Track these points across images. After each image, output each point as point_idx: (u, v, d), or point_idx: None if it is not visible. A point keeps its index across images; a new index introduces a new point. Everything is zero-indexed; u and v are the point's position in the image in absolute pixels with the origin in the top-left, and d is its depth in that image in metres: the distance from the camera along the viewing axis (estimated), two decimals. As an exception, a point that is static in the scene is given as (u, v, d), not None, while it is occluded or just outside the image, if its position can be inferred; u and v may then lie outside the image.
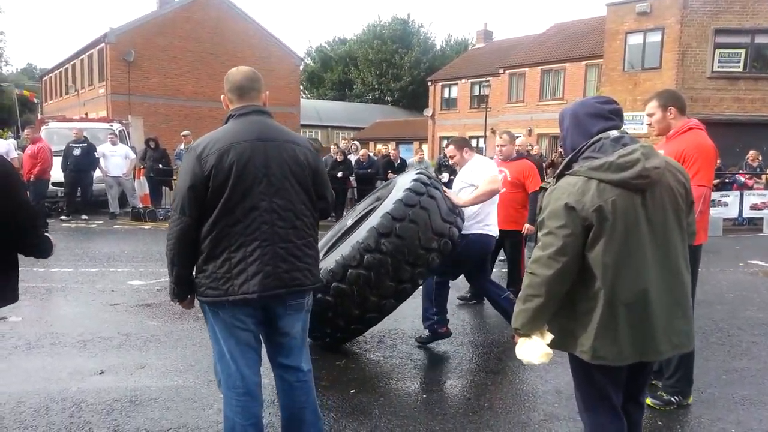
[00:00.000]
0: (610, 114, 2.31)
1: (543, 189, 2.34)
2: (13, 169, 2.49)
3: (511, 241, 5.95)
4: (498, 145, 5.98)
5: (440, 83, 34.22)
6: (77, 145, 11.80)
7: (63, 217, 11.93)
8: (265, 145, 2.46)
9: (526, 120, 27.12)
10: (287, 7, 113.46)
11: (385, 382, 4.07)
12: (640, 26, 20.54)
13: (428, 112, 34.65)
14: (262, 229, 2.41)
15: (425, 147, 28.32)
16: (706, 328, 5.31)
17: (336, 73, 51.32)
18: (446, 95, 34.06)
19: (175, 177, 12.11)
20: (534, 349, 2.24)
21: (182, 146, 13.59)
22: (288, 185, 2.49)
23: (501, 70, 29.25)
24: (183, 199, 2.38)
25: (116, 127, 15.00)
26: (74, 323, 5.08)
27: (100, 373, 4.01)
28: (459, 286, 6.08)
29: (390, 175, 13.19)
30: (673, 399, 3.66)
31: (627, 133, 2.30)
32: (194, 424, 3.30)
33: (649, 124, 3.69)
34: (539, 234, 2.23)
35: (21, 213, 2.40)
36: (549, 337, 2.26)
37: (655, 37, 20.13)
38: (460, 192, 4.63)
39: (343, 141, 17.26)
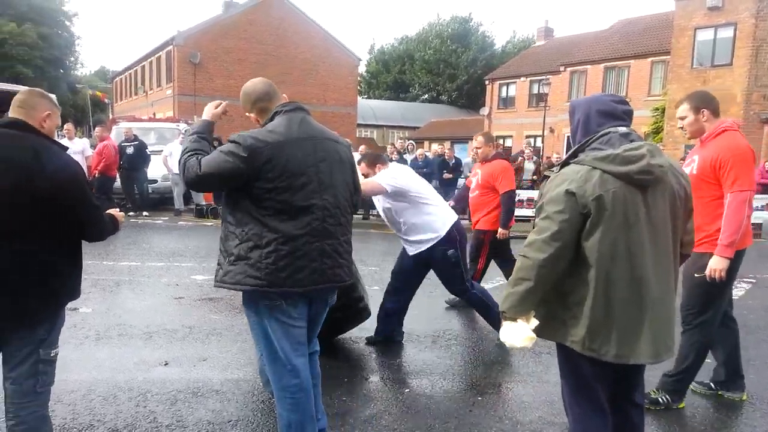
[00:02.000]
0: (622, 114, 2.30)
1: (546, 177, 2.35)
2: (81, 171, 2.63)
3: (474, 236, 5.86)
4: (474, 148, 5.88)
5: (498, 82, 33.79)
6: (129, 144, 12.33)
7: (131, 213, 12.49)
8: (314, 142, 2.51)
9: (587, 119, 26.41)
10: (349, 8, 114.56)
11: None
12: (710, 21, 19.66)
13: (485, 111, 34.29)
14: (313, 225, 2.46)
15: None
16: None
17: (392, 74, 51.46)
18: (504, 94, 33.62)
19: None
20: (518, 333, 2.25)
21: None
22: (335, 182, 2.55)
23: (562, 68, 28.63)
24: (217, 166, 2.38)
25: (182, 127, 15.55)
26: (141, 315, 5.32)
27: (165, 365, 4.18)
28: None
29: (445, 175, 13.21)
30: (660, 399, 3.56)
31: (634, 131, 2.29)
32: (253, 418, 3.40)
33: (681, 128, 3.57)
34: (537, 219, 2.24)
35: (83, 212, 2.54)
36: (534, 322, 2.26)
37: (726, 33, 19.23)
38: (382, 211, 4.51)
39: (398, 140, 17.32)
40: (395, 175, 4.31)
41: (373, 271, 7.29)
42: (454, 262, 4.45)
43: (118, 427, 3.22)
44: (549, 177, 2.29)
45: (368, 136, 38.27)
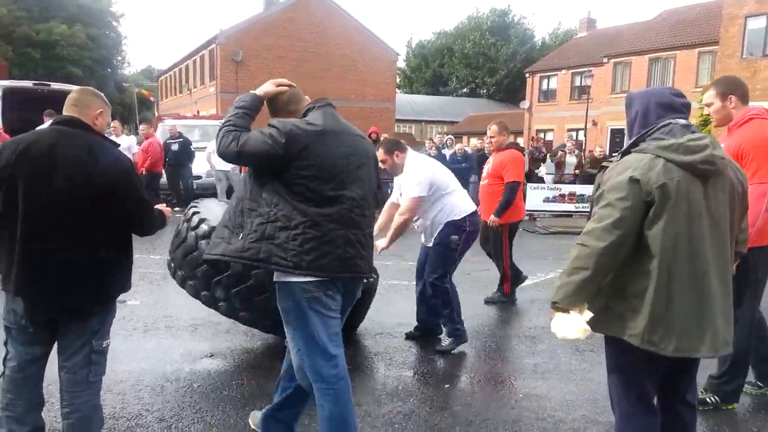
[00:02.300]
0: (681, 107, 2.27)
1: (603, 168, 2.30)
2: (132, 165, 2.72)
3: (493, 233, 5.81)
4: (489, 137, 5.83)
5: (538, 75, 33.27)
6: (174, 141, 12.62)
7: (176, 209, 12.79)
8: (345, 137, 2.60)
9: (631, 112, 25.79)
10: (386, 3, 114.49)
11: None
12: (762, 9, 18.91)
13: (525, 104, 33.82)
14: (341, 213, 2.50)
15: (520, 140, 27.65)
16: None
17: (431, 68, 51.23)
18: (544, 87, 33.09)
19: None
20: (572, 324, 2.19)
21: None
22: (362, 176, 2.61)
23: (605, 59, 28.01)
24: (258, 146, 2.41)
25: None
26: (186, 308, 5.44)
27: (210, 356, 4.29)
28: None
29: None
30: (708, 399, 3.46)
31: (693, 124, 2.26)
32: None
33: (708, 115, 3.44)
34: (596, 208, 2.19)
35: (135, 206, 2.62)
36: (588, 314, 2.19)
37: (780, 20, 18.48)
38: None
39: (437, 135, 17.25)
40: (418, 178, 4.22)
41: (411, 266, 7.29)
42: (452, 248, 4.34)
43: (165, 417, 3.32)
44: (606, 167, 2.27)
45: (407, 131, 38.23)
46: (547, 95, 32.95)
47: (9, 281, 2.44)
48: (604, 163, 2.31)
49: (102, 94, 2.79)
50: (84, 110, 2.59)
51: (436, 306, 4.50)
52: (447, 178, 4.43)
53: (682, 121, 2.23)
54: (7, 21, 32.41)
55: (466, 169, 12.99)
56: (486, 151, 13.02)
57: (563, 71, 31.55)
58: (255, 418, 2.99)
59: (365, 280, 2.91)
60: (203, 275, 3.92)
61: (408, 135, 33.13)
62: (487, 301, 6.01)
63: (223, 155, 2.51)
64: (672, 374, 2.32)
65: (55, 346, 2.58)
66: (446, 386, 3.91)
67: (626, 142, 2.39)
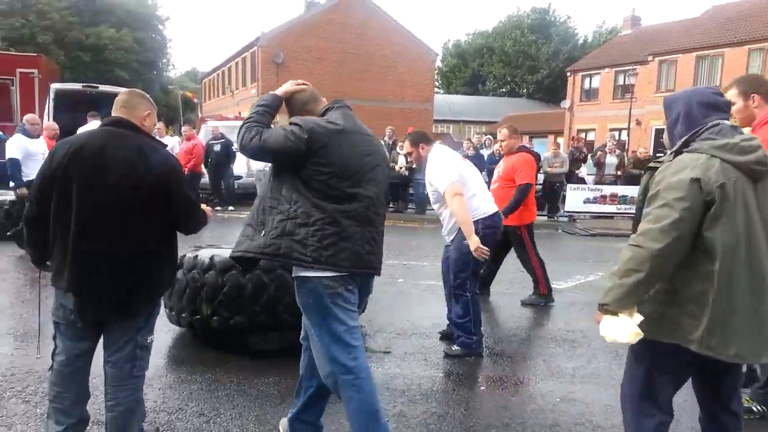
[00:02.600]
0: (724, 106, 2.25)
1: (650, 169, 2.26)
2: (180, 166, 2.80)
3: (514, 239, 5.84)
4: (499, 140, 5.81)
5: (580, 73, 32.66)
6: (216, 141, 12.90)
7: (218, 208, 13.06)
8: (362, 137, 2.67)
9: (677, 111, 25.07)
10: (425, 3, 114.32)
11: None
12: (818, 3, 18.14)
13: (566, 103, 33.25)
14: (358, 211, 2.56)
15: (561, 140, 27.21)
16: None
17: (470, 68, 50.88)
18: (587, 86, 32.46)
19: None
20: (622, 328, 2.12)
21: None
22: (377, 176, 2.68)
23: (650, 58, 27.30)
24: (279, 142, 2.48)
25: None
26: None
27: (252, 357, 4.36)
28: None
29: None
30: (755, 408, 3.34)
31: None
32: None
33: (731, 114, 3.34)
34: (649, 208, 2.13)
35: (182, 205, 2.69)
36: (638, 317, 2.13)
37: (837, 15, 17.69)
38: (432, 199, 4.40)
39: (475, 135, 17.12)
40: (444, 166, 4.15)
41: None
42: (464, 252, 4.21)
43: (204, 412, 3.39)
44: (653, 168, 2.24)
45: (445, 132, 38.07)
46: (589, 94, 32.32)
47: (60, 278, 2.52)
48: (652, 164, 2.27)
49: (148, 96, 2.87)
50: (132, 111, 2.67)
51: (456, 312, 4.43)
52: (470, 176, 4.39)
53: (728, 122, 2.20)
54: (60, 26, 33.61)
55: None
56: (495, 155, 12.94)
57: (606, 70, 30.90)
58: (284, 425, 3.05)
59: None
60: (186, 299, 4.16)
61: (446, 136, 32.99)
62: (524, 303, 5.95)
63: (245, 150, 2.57)
64: (714, 381, 2.27)
65: (101, 341, 2.67)
66: (482, 388, 3.89)
67: (667, 144, 2.34)
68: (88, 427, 2.84)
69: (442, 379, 4.05)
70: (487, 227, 4.33)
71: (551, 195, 13.73)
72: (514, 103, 44.45)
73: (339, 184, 2.53)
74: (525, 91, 48.14)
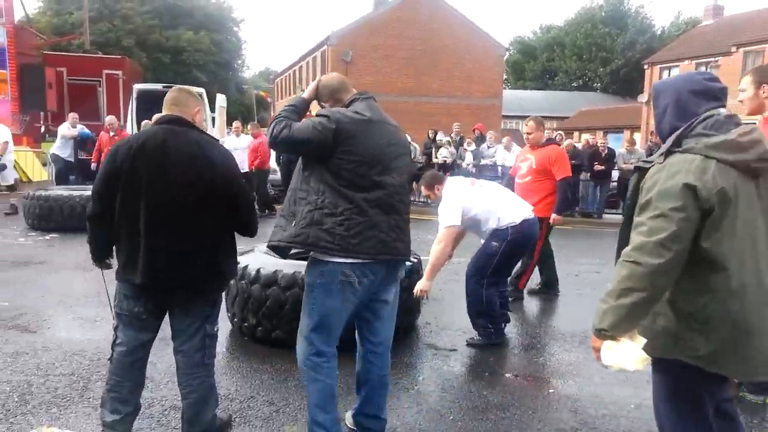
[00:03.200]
0: (719, 93, 2.02)
1: (638, 169, 2.07)
2: (235, 164, 2.88)
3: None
4: (525, 133, 5.69)
5: (658, 66, 31.31)
6: None
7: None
8: (387, 127, 2.73)
9: (765, 104, 23.60)
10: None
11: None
12: None
13: (643, 97, 31.89)
14: (384, 199, 2.62)
15: (638, 136, 26.15)
16: None
17: (539, 62, 49.69)
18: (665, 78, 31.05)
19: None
20: (628, 354, 1.91)
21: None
22: (400, 165, 2.75)
23: (734, 48, 25.84)
24: (308, 132, 2.55)
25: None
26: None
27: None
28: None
29: (597, 167, 12.50)
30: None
31: (736, 114, 1.99)
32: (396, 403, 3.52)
33: (741, 101, 3.14)
34: (642, 218, 1.90)
35: (243, 196, 2.82)
36: (642, 340, 1.92)
37: None
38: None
39: (546, 131, 16.72)
40: (448, 207, 4.25)
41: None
42: (488, 254, 4.41)
43: (274, 401, 3.50)
44: (642, 168, 2.05)
45: (513, 128, 37.39)
46: (668, 88, 30.89)
47: (129, 271, 2.63)
48: (640, 164, 2.09)
49: (197, 93, 2.99)
50: (184, 109, 2.78)
51: (468, 305, 4.57)
52: (486, 198, 4.45)
53: (724, 111, 1.98)
54: (142, 29, 35.37)
55: (576, 166, 12.47)
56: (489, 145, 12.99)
57: (686, 62, 29.44)
58: (349, 418, 3.13)
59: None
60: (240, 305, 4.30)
61: (515, 132, 32.39)
62: (530, 292, 6.10)
63: (276, 142, 2.63)
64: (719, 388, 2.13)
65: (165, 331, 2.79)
66: (550, 391, 3.81)
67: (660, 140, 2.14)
68: (166, 411, 2.99)
69: (508, 379, 4.01)
70: (516, 232, 4.38)
71: (626, 192, 13.22)
72: (588, 97, 43.10)
73: (367, 172, 2.60)
74: (598, 84, 46.59)
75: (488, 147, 13.59)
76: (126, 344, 2.74)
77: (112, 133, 11.05)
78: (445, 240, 4.17)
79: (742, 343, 1.88)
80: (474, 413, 3.42)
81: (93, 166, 11.35)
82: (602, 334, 1.94)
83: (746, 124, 1.97)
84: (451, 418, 3.36)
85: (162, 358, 3.68)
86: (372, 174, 2.61)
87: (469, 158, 13.61)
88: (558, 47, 48.13)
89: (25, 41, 16.41)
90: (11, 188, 10.64)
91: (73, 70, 17.51)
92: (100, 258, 2.87)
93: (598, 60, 45.18)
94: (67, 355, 4.04)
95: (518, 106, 40.53)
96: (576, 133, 29.92)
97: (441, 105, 29.78)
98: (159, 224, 2.59)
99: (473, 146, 14.02)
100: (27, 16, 19.08)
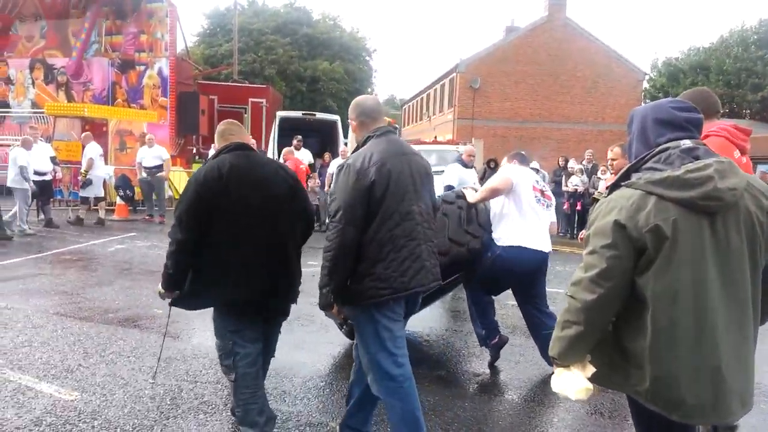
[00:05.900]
0: (685, 123, 1.86)
1: (595, 201, 1.96)
2: (298, 180, 3.10)
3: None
4: (609, 159, 5.20)
5: (825, 91, 28.04)
6: None
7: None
8: (407, 158, 2.77)
9: None
10: (634, 21, 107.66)
11: None
12: None
13: (803, 126, 28.75)
14: (417, 230, 2.69)
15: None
16: None
17: (682, 86, 46.51)
18: (834, 106, 27.76)
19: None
20: (571, 383, 1.95)
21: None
22: (424, 192, 2.81)
23: None
24: (348, 211, 2.58)
25: (461, 148, 16.41)
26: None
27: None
28: None
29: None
30: None
31: (704, 145, 1.82)
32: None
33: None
34: (583, 252, 1.92)
35: (308, 217, 3.07)
36: (590, 370, 1.96)
37: None
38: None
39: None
40: (504, 173, 4.38)
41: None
42: (484, 264, 4.33)
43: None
44: (598, 201, 1.97)
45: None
46: (836, 115, 27.60)
47: (237, 289, 2.84)
48: (596, 195, 1.96)
49: (240, 124, 3.22)
50: (242, 137, 3.09)
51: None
52: (520, 201, 4.28)
53: (686, 143, 1.85)
54: (284, 60, 37.82)
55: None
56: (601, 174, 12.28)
57: None
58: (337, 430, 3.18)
59: None
60: None
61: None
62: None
63: (344, 243, 2.60)
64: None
65: None
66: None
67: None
68: (302, 427, 3.11)
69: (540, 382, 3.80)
70: (500, 257, 4.23)
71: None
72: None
73: (397, 211, 2.64)
74: (747, 111, 42.70)
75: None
76: (249, 356, 2.91)
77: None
78: (494, 189, 4.31)
79: (670, 385, 1.80)
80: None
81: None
82: (554, 361, 2.01)
83: (711, 158, 1.81)
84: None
85: (298, 372, 3.86)
86: (401, 210, 2.69)
87: (602, 187, 13.03)
88: (702, 71, 44.83)
89: (183, 72, 18.15)
90: (99, 200, 12.01)
91: (223, 98, 19.15)
92: (179, 286, 2.91)
93: (748, 86, 41.49)
94: (213, 363, 4.35)
95: (656, 133, 38.18)
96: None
97: (570, 131, 28.87)
98: (248, 243, 2.79)
99: (608, 174, 13.41)
100: (186, 49, 21.07)
